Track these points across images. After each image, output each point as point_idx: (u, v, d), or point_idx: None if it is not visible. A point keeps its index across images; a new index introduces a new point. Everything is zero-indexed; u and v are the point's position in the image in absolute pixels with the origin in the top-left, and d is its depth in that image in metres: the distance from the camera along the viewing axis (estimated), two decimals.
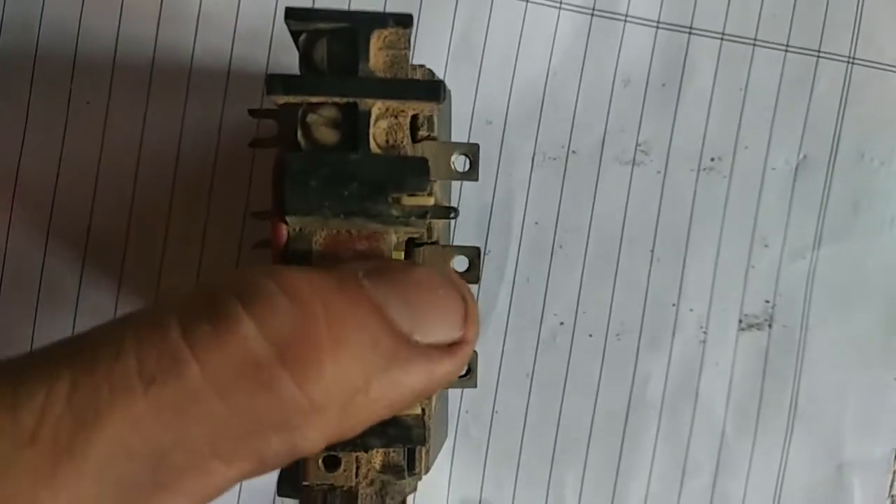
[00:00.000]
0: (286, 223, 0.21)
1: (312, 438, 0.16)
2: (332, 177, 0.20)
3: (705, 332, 0.35)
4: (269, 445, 0.16)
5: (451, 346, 0.19)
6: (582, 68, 0.35)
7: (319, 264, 0.21)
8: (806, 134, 0.36)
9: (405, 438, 0.21)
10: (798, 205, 0.36)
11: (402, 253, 0.25)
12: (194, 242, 0.34)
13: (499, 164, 0.35)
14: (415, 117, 0.23)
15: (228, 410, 0.15)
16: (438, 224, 0.27)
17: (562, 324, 0.35)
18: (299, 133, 0.21)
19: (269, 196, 0.32)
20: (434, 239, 0.26)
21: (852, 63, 0.36)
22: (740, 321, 0.35)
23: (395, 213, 0.21)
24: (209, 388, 0.15)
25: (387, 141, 0.22)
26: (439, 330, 0.19)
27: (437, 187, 0.27)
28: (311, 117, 0.21)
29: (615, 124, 0.35)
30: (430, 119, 0.23)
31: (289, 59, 0.34)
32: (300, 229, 0.21)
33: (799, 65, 0.35)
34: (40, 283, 0.33)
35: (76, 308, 0.33)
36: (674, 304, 0.35)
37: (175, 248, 0.34)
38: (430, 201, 0.21)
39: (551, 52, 0.35)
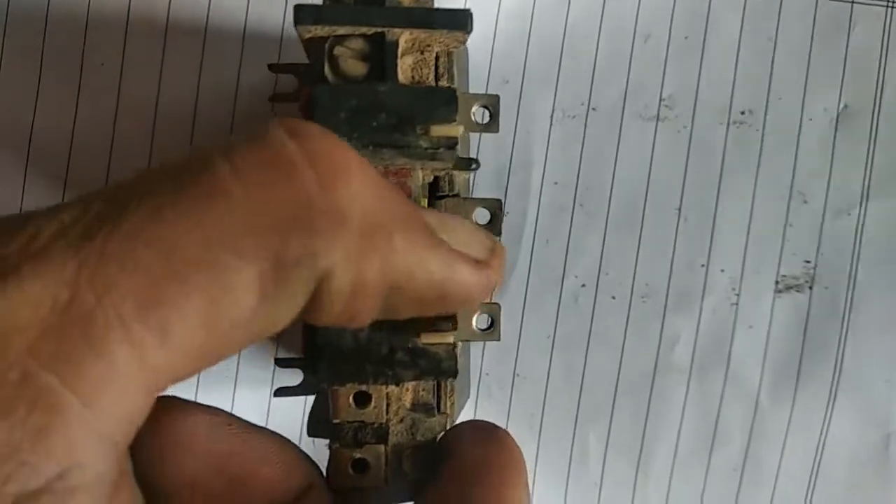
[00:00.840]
0: None
1: (332, 253, 0.16)
2: (361, 108, 0.21)
3: (738, 295, 0.35)
4: (288, 244, 0.16)
5: (476, 261, 0.19)
6: (600, 23, 0.35)
7: None
8: (845, 82, 0.35)
9: (436, 370, 0.21)
10: (841, 157, 0.35)
11: (426, 200, 0.25)
12: None
13: (517, 122, 0.35)
14: (436, 65, 0.23)
15: (251, 204, 0.15)
16: (459, 177, 0.27)
17: (583, 285, 0.35)
18: (326, 67, 0.22)
19: None
20: (455, 191, 0.26)
21: (892, 7, 0.35)
22: (777, 283, 0.35)
23: (423, 144, 0.21)
24: (235, 180, 0.15)
25: (412, 77, 0.23)
26: (465, 242, 0.19)
27: (461, 135, 0.28)
28: (338, 49, 0.22)
29: (637, 79, 0.35)
30: (449, 69, 0.24)
31: None
32: None
33: (833, 11, 0.35)
34: None
35: None
36: (703, 265, 0.35)
37: None
38: (459, 130, 0.22)
39: (569, 7, 0.35)
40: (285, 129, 0.16)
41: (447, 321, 0.22)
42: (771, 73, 0.35)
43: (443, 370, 0.22)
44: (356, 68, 0.22)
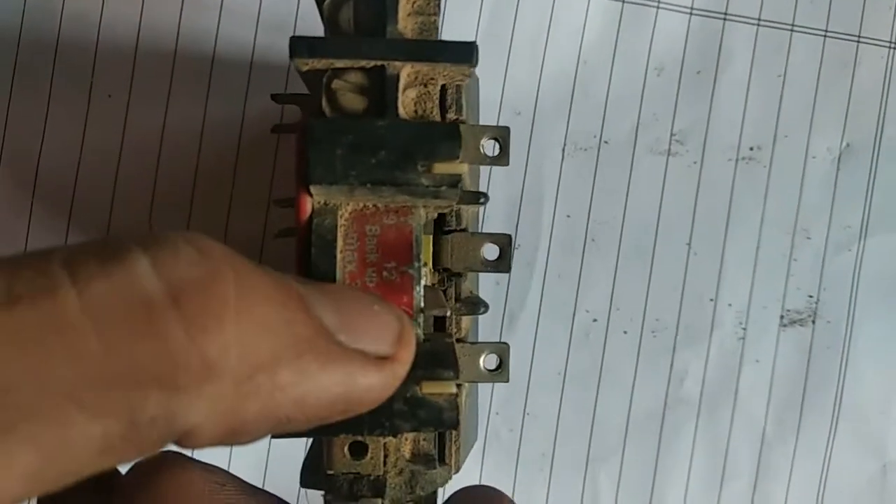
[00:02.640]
0: (310, 195, 0.20)
1: (198, 411, 0.13)
2: (359, 144, 0.19)
3: (744, 329, 0.34)
4: (145, 404, 0.13)
5: (379, 360, 0.17)
6: (613, 56, 0.34)
7: (346, 240, 0.20)
8: (848, 121, 0.34)
9: (436, 421, 0.19)
10: (842, 194, 0.34)
11: (431, 239, 0.23)
12: (217, 233, 0.33)
13: (528, 155, 0.34)
14: (443, 95, 0.21)
15: (103, 350, 0.12)
16: (467, 211, 0.25)
17: (595, 320, 0.34)
18: (324, 101, 0.19)
19: (293, 185, 0.33)
20: (463, 226, 0.24)
21: (894, 48, 0.34)
22: (782, 317, 0.34)
23: (424, 181, 0.19)
24: (85, 318, 0.12)
25: (416, 111, 0.20)
26: (368, 339, 0.17)
27: (465, 172, 0.26)
28: (336, 83, 0.19)
29: (649, 113, 0.34)
30: (458, 100, 0.22)
31: None
32: (325, 202, 0.20)
33: (839, 50, 0.34)
34: None
35: None
36: (711, 300, 0.34)
37: (199, 228, 0.33)
38: (463, 168, 0.19)
39: (581, 40, 0.34)
40: (142, 248, 0.13)
41: (448, 367, 0.20)
42: (779, 111, 0.34)
43: (443, 421, 0.19)
44: (355, 102, 0.20)
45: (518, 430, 0.34)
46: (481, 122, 0.32)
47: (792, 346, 0.34)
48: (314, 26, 0.33)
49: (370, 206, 0.20)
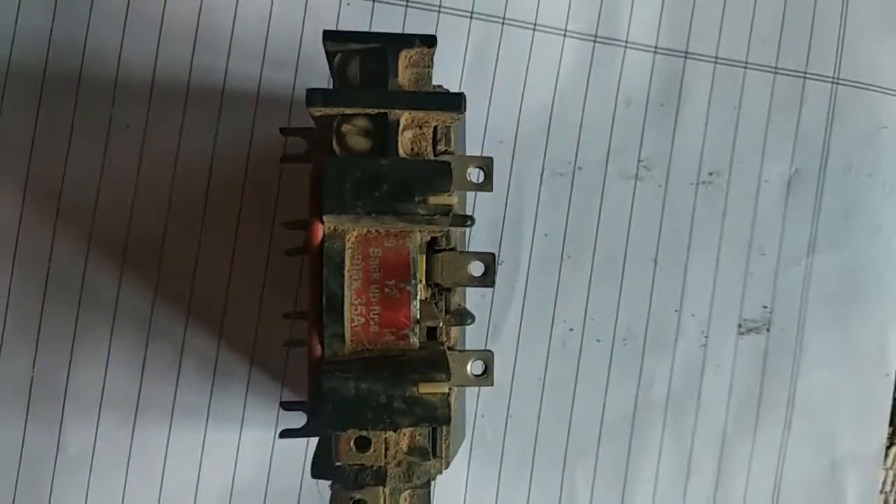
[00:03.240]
0: (322, 223, 0.22)
1: None
2: (365, 179, 0.21)
3: (706, 337, 0.36)
4: None
5: None
6: (586, 90, 0.36)
7: (352, 261, 0.22)
8: (797, 149, 0.37)
9: (431, 417, 0.21)
10: (792, 215, 0.36)
11: (424, 258, 0.25)
12: (226, 251, 0.34)
13: (510, 180, 0.35)
14: (435, 132, 0.24)
15: None
16: (456, 232, 0.28)
17: (571, 330, 0.35)
18: (334, 142, 0.22)
19: (296, 207, 0.33)
20: (452, 245, 0.27)
21: (837, 84, 0.37)
22: (739, 325, 0.36)
23: (421, 211, 0.21)
24: None
25: (412, 149, 0.23)
26: None
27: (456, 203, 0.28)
28: (345, 127, 0.22)
29: (618, 142, 0.36)
30: (447, 134, 0.24)
31: (314, 83, 0.35)
32: (335, 228, 0.22)
33: (788, 85, 0.37)
34: (81, 291, 0.34)
35: (115, 313, 0.34)
36: (676, 310, 0.36)
37: (208, 256, 0.34)
38: (453, 200, 0.22)
39: (557, 76, 0.35)
40: None
41: (441, 370, 0.22)
42: (735, 139, 0.36)
43: (437, 417, 0.21)
44: (361, 143, 0.22)
45: (502, 431, 0.35)
46: (468, 151, 0.35)
47: (749, 353, 0.36)
48: (314, 60, 0.35)
49: (373, 231, 0.23)
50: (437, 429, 0.24)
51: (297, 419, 0.30)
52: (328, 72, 0.35)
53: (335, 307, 0.22)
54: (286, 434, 0.28)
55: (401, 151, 0.23)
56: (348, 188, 0.21)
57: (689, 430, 0.35)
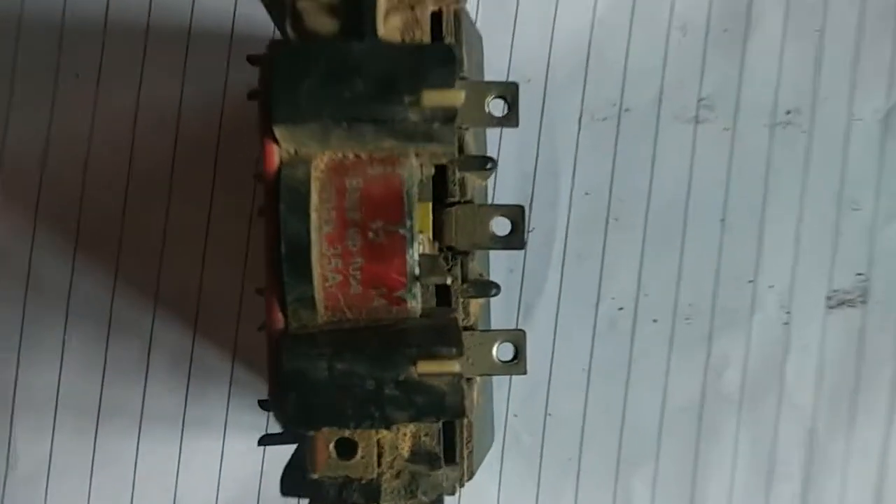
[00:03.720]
0: (276, 142, 0.17)
1: None
2: (332, 72, 0.16)
3: (788, 313, 0.32)
4: None
5: None
6: (632, 16, 0.32)
7: (322, 196, 0.17)
8: (895, 80, 0.32)
9: (437, 408, 0.16)
10: (890, 160, 0.32)
11: (429, 207, 0.21)
12: (200, 215, 0.31)
13: (540, 127, 0.32)
14: (436, 26, 0.19)
15: None
16: (473, 181, 0.24)
17: (621, 308, 0.32)
18: (289, 25, 0.17)
19: None
20: (468, 197, 0.23)
21: None
22: (829, 298, 0.32)
23: (413, 117, 0.16)
24: None
25: (402, 42, 0.18)
26: None
27: (469, 137, 0.24)
28: (302, 3, 0.16)
29: (673, 78, 0.32)
30: (456, 32, 0.19)
31: None
32: (296, 151, 0.17)
33: (883, 1, 0.32)
34: (28, 276, 0.31)
35: (68, 301, 0.31)
36: (750, 281, 0.32)
37: (178, 227, 0.31)
38: (460, 97, 0.16)
39: None
40: None
41: (450, 344, 0.17)
42: (818, 70, 0.32)
43: (446, 408, 0.16)
44: (325, 24, 0.17)
45: (539, 433, 0.32)
46: None
47: (841, 330, 0.32)
48: None
49: (350, 155, 0.18)
50: (452, 426, 0.19)
51: None
52: None
53: (300, 260, 0.17)
54: (266, 440, 0.24)
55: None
56: (307, 87, 0.16)
57: (769, 427, 0.32)
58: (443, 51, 0.16)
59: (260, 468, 0.31)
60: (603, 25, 0.32)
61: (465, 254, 0.23)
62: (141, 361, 0.31)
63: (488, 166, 0.22)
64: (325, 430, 0.17)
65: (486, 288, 0.23)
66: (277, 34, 0.30)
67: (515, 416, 0.32)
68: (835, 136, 0.32)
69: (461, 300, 0.23)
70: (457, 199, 0.22)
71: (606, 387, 0.32)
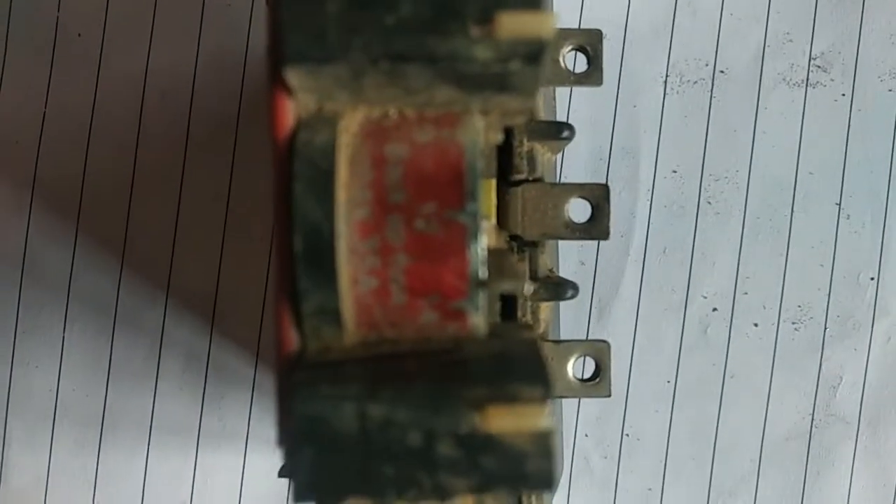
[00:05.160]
0: (289, 92, 0.13)
1: None
2: None
3: None
4: None
5: None
6: None
7: (353, 170, 0.13)
8: None
9: (515, 475, 0.12)
10: None
11: (493, 183, 0.18)
12: (216, 206, 0.30)
13: (618, 91, 0.30)
14: None
15: None
16: (544, 156, 0.21)
17: (715, 310, 0.30)
18: None
19: None
20: (538, 175, 0.20)
21: None
22: None
23: (481, 53, 0.12)
24: None
25: None
26: None
27: (539, 100, 0.20)
28: None
29: (778, 32, 0.30)
30: None
31: None
32: (318, 108, 0.13)
33: None
34: (23, 267, 0.30)
35: (68, 293, 0.30)
36: (872, 278, 0.30)
37: (192, 210, 0.30)
38: (549, 24, 0.12)
39: None
40: None
41: (533, 381, 0.12)
42: None
43: (529, 476, 0.12)
44: None
45: (615, 456, 0.30)
46: None
47: None
48: None
49: (392, 112, 0.14)
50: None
51: None
52: None
53: (320, 257, 0.13)
54: (286, 473, 0.21)
55: None
56: (334, 10, 0.12)
57: (893, 455, 0.30)
58: None
59: (287, 489, 0.30)
60: None
61: (535, 245, 0.20)
62: (151, 363, 0.30)
63: (564, 134, 0.19)
64: (352, 498, 0.13)
65: (562, 289, 0.20)
66: None
67: (586, 435, 0.30)
68: None
69: (529, 304, 0.19)
70: (524, 175, 0.19)
71: (696, 404, 0.30)
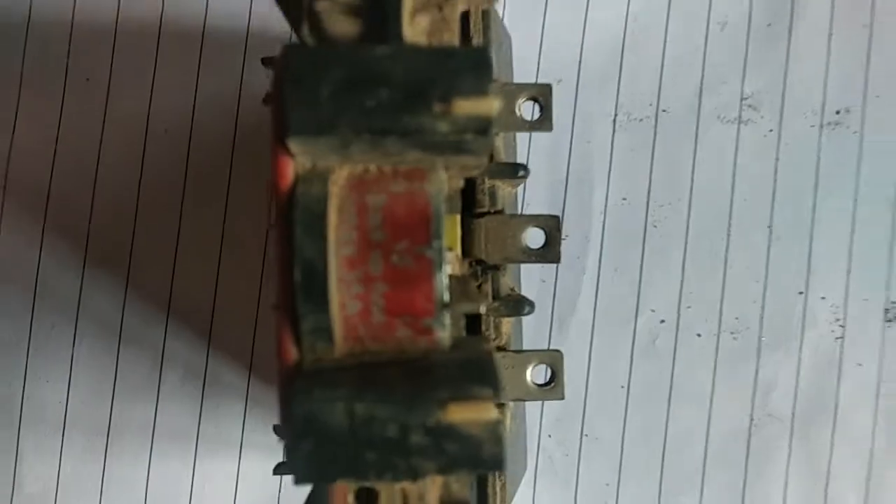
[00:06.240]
0: (291, 154, 0.15)
1: None
2: (353, 79, 0.14)
3: (842, 326, 0.31)
4: None
5: None
6: (668, 10, 0.31)
7: (341, 216, 0.15)
8: None
9: (472, 459, 0.14)
10: None
11: (458, 220, 0.19)
12: (214, 228, 0.30)
13: (573, 129, 0.31)
14: (465, 25, 0.17)
15: None
16: (504, 189, 0.22)
17: (662, 321, 0.31)
18: (306, 27, 0.15)
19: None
20: (498, 207, 0.21)
21: None
22: (887, 310, 0.31)
23: (443, 128, 0.14)
24: None
25: (429, 45, 0.16)
26: None
27: (499, 142, 0.22)
28: (321, 4, 0.15)
29: (714, 76, 0.31)
30: (485, 30, 0.18)
31: None
32: (313, 166, 0.15)
33: None
34: (35, 289, 0.30)
35: (77, 315, 0.30)
36: (801, 292, 0.31)
37: (191, 236, 0.30)
38: (493, 106, 0.14)
39: None
40: None
41: (485, 383, 0.15)
42: (867, 66, 0.31)
43: (483, 459, 0.14)
44: (346, 27, 0.15)
45: (575, 455, 0.30)
46: None
47: None
48: None
49: (372, 169, 0.16)
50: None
51: None
52: None
53: (315, 286, 0.15)
54: (283, 470, 0.22)
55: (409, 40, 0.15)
56: (326, 94, 0.14)
57: (824, 451, 0.30)
58: (476, 55, 0.14)
59: (277, 494, 0.30)
60: (637, 21, 0.31)
61: (497, 268, 0.21)
62: (153, 377, 0.30)
63: (520, 174, 0.21)
64: (341, 480, 0.15)
65: (520, 306, 0.22)
66: (294, 36, 0.30)
67: (549, 436, 0.30)
68: (888, 137, 0.30)
69: (493, 321, 0.21)
70: (486, 209, 0.21)
71: (647, 406, 0.30)
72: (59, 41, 0.30)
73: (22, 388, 0.30)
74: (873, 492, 0.30)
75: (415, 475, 0.14)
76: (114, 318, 0.30)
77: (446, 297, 0.15)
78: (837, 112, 0.30)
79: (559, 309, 0.30)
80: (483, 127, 0.15)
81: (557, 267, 0.30)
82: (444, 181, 0.16)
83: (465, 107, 0.14)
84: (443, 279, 0.15)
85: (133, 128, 0.30)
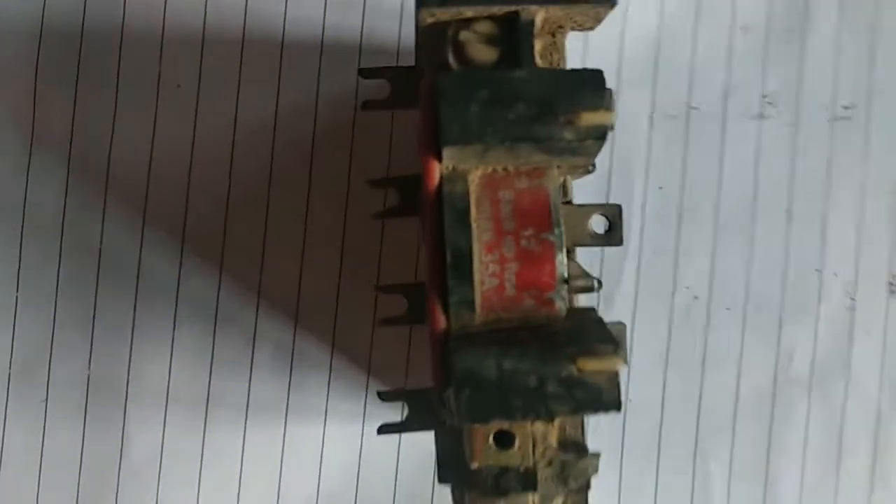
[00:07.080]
0: (439, 160, 0.18)
1: None
2: (495, 98, 0.17)
3: (853, 299, 0.32)
4: None
5: None
6: (696, 16, 0.32)
7: (479, 208, 0.18)
8: None
9: (596, 402, 0.17)
10: None
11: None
12: (297, 222, 0.31)
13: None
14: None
15: None
16: (572, 182, 0.24)
17: (696, 297, 0.32)
18: (451, 54, 0.18)
19: (374, 166, 0.30)
20: (569, 198, 0.23)
21: None
22: (890, 283, 0.32)
23: (567, 135, 0.17)
24: None
25: (542, 65, 0.19)
26: None
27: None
28: (464, 34, 0.17)
29: (737, 76, 0.32)
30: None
31: (383, 26, 0.31)
32: (454, 168, 0.18)
33: None
34: (137, 278, 0.31)
35: (176, 299, 0.31)
36: (817, 269, 0.32)
37: (277, 226, 0.31)
38: (612, 117, 0.17)
39: (663, 1, 0.32)
40: None
41: (608, 341, 0.18)
42: (871, 64, 0.32)
43: (604, 402, 0.17)
44: (485, 54, 0.18)
45: (620, 419, 0.32)
46: None
47: None
48: (383, 1, 0.32)
49: (500, 169, 0.19)
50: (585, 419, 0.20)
51: (387, 411, 0.27)
52: (398, 13, 0.31)
53: (462, 266, 0.18)
54: (385, 429, 0.24)
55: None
56: (474, 111, 0.17)
57: (838, 407, 0.32)
58: (595, 76, 0.17)
59: (358, 456, 0.31)
60: (670, 26, 0.32)
61: (568, 252, 0.23)
62: (245, 354, 0.31)
63: (591, 169, 0.23)
64: (491, 421, 0.18)
65: (595, 283, 0.23)
66: (366, 42, 0.31)
67: None
68: (891, 129, 0.32)
69: (570, 296, 0.24)
70: (562, 200, 0.22)
71: (683, 373, 0.31)
72: (151, 50, 0.31)
73: (127, 368, 0.31)
74: (882, 443, 0.32)
75: (551, 416, 0.17)
76: (210, 302, 0.31)
77: (566, 274, 0.18)
78: (845, 107, 0.32)
79: (606, 286, 0.32)
80: (602, 134, 0.17)
81: (602, 251, 0.31)
82: (558, 178, 0.19)
83: (590, 118, 0.17)
84: (563, 259, 0.18)
85: (222, 129, 0.31)
